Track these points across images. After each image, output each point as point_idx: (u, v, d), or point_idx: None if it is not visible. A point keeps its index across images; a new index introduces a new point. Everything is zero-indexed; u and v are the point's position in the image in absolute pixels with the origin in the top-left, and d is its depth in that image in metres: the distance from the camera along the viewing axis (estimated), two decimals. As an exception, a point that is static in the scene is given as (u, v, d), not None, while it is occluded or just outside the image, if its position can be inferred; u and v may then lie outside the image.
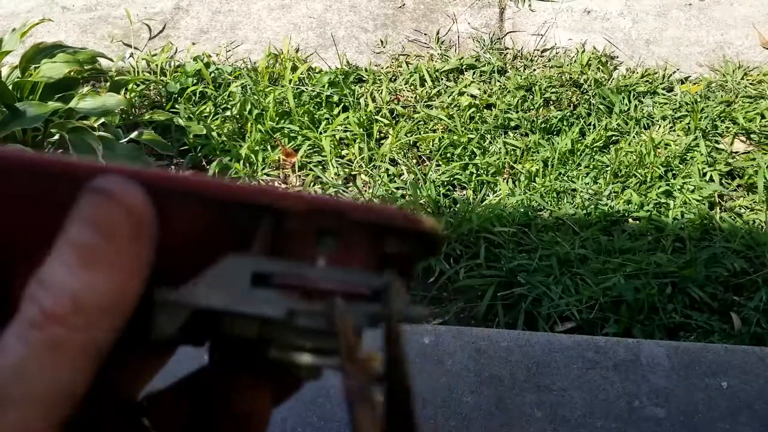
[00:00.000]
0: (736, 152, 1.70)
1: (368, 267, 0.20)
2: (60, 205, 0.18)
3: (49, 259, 0.18)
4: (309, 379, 0.21)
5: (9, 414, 0.17)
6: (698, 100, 1.79)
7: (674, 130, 1.75)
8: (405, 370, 0.19)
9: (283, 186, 1.69)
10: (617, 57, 1.96)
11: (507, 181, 1.64)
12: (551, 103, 1.82)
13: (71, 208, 0.18)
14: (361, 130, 1.74)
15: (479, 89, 1.85)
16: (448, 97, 1.84)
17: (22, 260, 0.19)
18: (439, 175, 1.66)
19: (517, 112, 1.79)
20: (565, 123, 1.76)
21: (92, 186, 0.18)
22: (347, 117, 1.77)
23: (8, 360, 0.17)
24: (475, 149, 1.70)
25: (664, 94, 1.83)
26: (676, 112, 1.78)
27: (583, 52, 1.95)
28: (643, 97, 1.83)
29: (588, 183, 1.62)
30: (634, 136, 1.72)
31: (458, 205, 1.59)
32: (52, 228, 0.18)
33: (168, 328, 0.19)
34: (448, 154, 1.71)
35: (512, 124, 1.77)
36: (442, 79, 1.90)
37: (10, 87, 1.46)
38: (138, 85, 1.88)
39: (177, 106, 1.83)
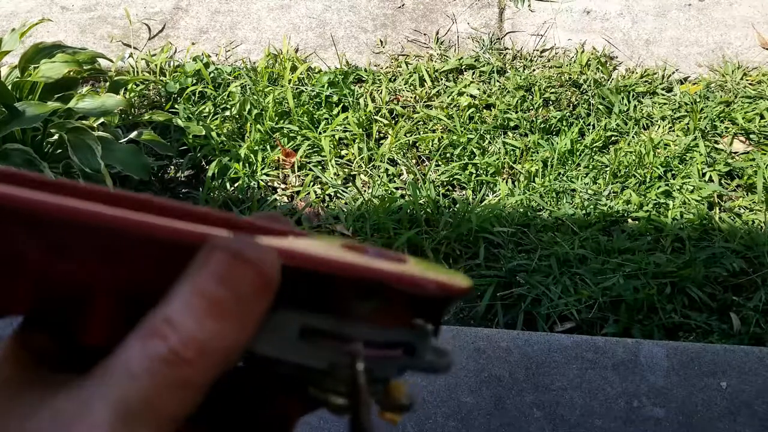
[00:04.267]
0: (735, 152, 1.70)
1: (403, 322, 0.23)
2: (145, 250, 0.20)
3: (171, 300, 0.19)
4: (337, 415, 0.23)
5: None
6: (697, 100, 1.79)
7: (673, 131, 1.75)
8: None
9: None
10: (616, 57, 1.96)
11: (506, 182, 1.64)
12: (551, 103, 1.82)
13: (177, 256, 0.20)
14: (361, 130, 1.75)
15: (479, 89, 1.85)
16: (448, 97, 1.84)
17: (100, 297, 0.21)
18: (439, 175, 1.66)
19: (516, 112, 1.79)
20: (564, 123, 1.76)
21: (224, 244, 0.20)
22: (347, 117, 1.77)
23: (137, 390, 0.19)
24: (474, 149, 1.70)
25: (663, 95, 1.83)
26: (675, 113, 1.78)
27: (583, 52, 1.95)
28: (643, 98, 1.83)
29: (587, 183, 1.62)
30: (633, 137, 1.72)
31: (457, 205, 1.59)
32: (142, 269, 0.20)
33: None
34: (448, 154, 1.71)
35: (512, 124, 1.77)
36: (441, 79, 1.90)
37: (10, 87, 1.46)
38: (137, 85, 1.88)
39: (176, 106, 1.83)
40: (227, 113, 1.82)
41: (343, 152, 1.73)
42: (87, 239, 0.20)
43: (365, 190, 1.65)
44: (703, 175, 1.63)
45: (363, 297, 0.22)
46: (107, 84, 1.69)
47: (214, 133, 1.75)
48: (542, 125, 1.75)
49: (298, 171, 1.70)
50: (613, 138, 1.74)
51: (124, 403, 0.18)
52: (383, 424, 0.23)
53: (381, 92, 1.85)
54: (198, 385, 0.19)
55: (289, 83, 1.84)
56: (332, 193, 1.66)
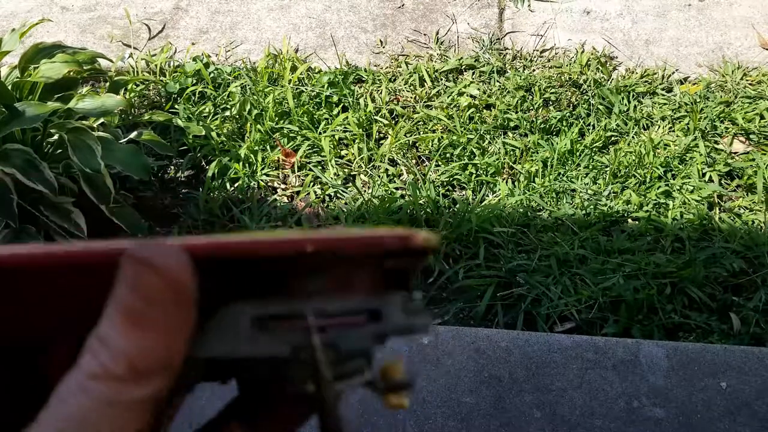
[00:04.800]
0: (735, 153, 1.70)
1: (368, 290, 0.21)
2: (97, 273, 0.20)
3: (103, 317, 0.19)
4: (319, 409, 0.21)
5: None
6: (697, 100, 1.79)
7: (673, 131, 1.75)
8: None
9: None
10: (616, 57, 1.96)
11: (506, 182, 1.64)
12: (550, 103, 1.82)
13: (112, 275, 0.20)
14: (361, 130, 1.75)
15: (479, 89, 1.85)
16: (448, 97, 1.84)
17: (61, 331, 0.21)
18: (439, 175, 1.66)
19: (516, 112, 1.79)
20: (564, 123, 1.76)
21: (131, 253, 0.19)
22: (347, 117, 1.77)
23: (70, 410, 0.18)
24: (474, 149, 1.70)
25: (663, 95, 1.83)
26: (675, 113, 1.78)
27: (583, 52, 1.95)
28: (643, 98, 1.83)
29: (587, 183, 1.62)
30: (633, 137, 1.72)
31: (457, 206, 1.59)
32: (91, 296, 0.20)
33: (189, 378, 0.21)
34: (448, 155, 1.71)
35: (511, 124, 1.77)
36: (441, 79, 1.90)
37: (10, 87, 1.45)
38: (137, 86, 1.88)
39: (176, 106, 1.83)
40: (227, 113, 1.82)
41: (343, 152, 1.73)
42: (27, 283, 0.20)
43: (365, 191, 1.65)
44: (703, 175, 1.63)
45: (314, 274, 0.21)
46: (107, 84, 1.69)
47: (214, 133, 1.75)
48: (542, 125, 1.75)
49: (298, 171, 1.70)
50: (613, 138, 1.74)
51: (61, 428, 0.18)
52: (390, 419, 0.23)
53: (381, 92, 1.84)
54: (137, 400, 0.19)
55: (289, 83, 1.84)
56: (332, 194, 1.66)
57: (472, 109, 1.80)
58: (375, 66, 1.96)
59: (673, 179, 1.62)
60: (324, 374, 0.20)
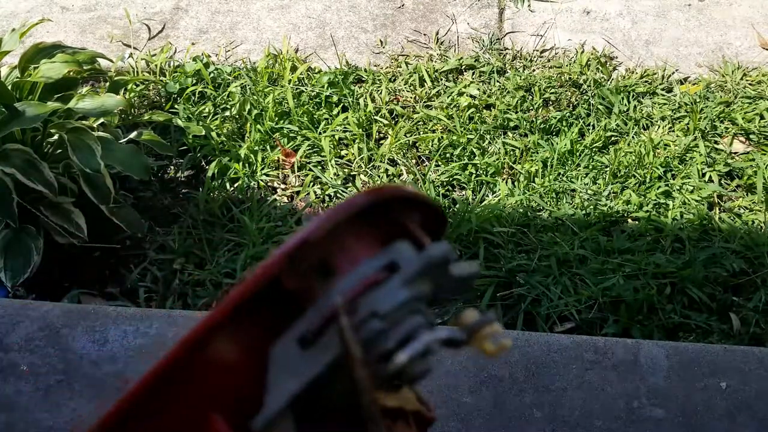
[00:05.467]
0: (735, 153, 1.70)
1: (368, 251, 0.21)
2: None
3: None
4: (419, 378, 0.20)
5: None
6: (697, 100, 1.79)
7: (673, 131, 1.75)
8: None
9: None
10: (616, 57, 1.96)
11: (506, 182, 1.64)
12: (550, 103, 1.82)
13: None
14: (361, 130, 1.74)
15: (478, 89, 1.85)
16: (448, 97, 1.84)
17: None
18: (439, 175, 1.66)
19: (516, 112, 1.79)
20: (564, 123, 1.76)
21: None
22: (346, 117, 1.77)
23: None
24: (474, 149, 1.70)
25: (663, 95, 1.83)
26: (675, 113, 1.78)
27: (583, 52, 1.95)
28: (643, 98, 1.83)
29: (587, 183, 1.62)
30: (633, 137, 1.72)
31: (457, 206, 1.59)
32: None
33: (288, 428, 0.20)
34: (448, 155, 1.71)
35: (511, 124, 1.77)
36: (441, 79, 1.90)
37: (10, 87, 1.45)
38: (137, 86, 1.87)
39: (176, 106, 1.83)
40: (227, 113, 1.82)
41: (343, 152, 1.73)
42: None
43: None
44: (703, 175, 1.63)
45: (317, 269, 0.21)
46: (107, 84, 1.69)
47: (214, 133, 1.75)
48: (542, 125, 1.75)
49: (298, 171, 1.70)
50: (613, 138, 1.74)
51: None
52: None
53: (381, 92, 1.84)
54: None
55: (289, 83, 1.84)
56: (332, 194, 1.66)
57: (472, 109, 1.80)
58: (375, 66, 1.96)
59: (673, 179, 1.62)
60: (350, 347, 0.19)
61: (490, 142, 1.73)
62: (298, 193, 1.66)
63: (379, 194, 0.21)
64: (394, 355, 0.19)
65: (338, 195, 1.65)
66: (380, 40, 2.04)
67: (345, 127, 1.76)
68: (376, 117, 1.79)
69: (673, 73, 1.90)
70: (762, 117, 1.75)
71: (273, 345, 0.20)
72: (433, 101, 1.84)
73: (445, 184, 1.66)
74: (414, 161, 1.71)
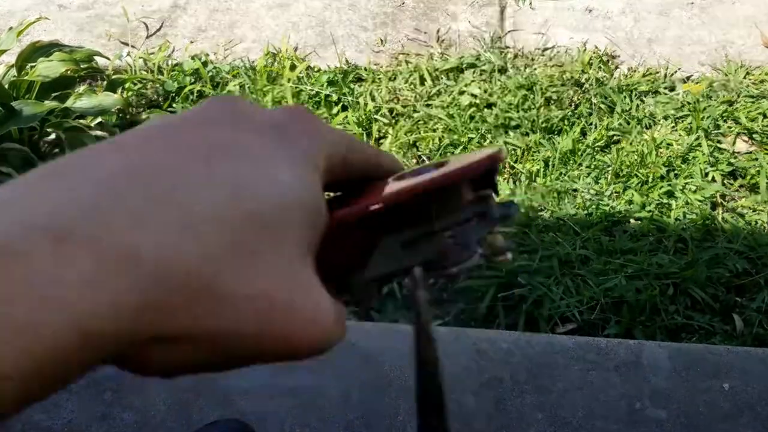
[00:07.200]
0: (738, 152, 1.69)
1: (473, 197, 0.29)
2: None
3: None
4: (455, 283, 0.32)
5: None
6: (700, 99, 1.78)
7: (676, 130, 1.74)
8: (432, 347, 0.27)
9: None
10: (619, 56, 1.95)
11: (508, 181, 1.63)
12: (552, 102, 1.81)
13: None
14: (361, 129, 1.73)
15: (479, 88, 1.84)
16: (448, 96, 1.83)
17: None
18: (439, 174, 1.65)
19: (517, 111, 1.77)
20: (566, 122, 1.75)
21: None
22: (346, 116, 1.76)
23: None
24: (475, 149, 1.69)
25: (665, 94, 1.82)
26: (677, 112, 1.77)
27: (585, 51, 1.94)
28: (645, 97, 1.81)
29: (589, 183, 1.61)
30: (635, 136, 1.71)
31: (458, 205, 1.58)
32: None
33: (372, 291, 0.29)
34: (448, 154, 1.70)
35: (513, 123, 1.76)
36: (442, 78, 1.89)
37: (7, 86, 1.44)
38: (135, 84, 1.86)
39: (174, 105, 1.82)
40: (226, 112, 1.81)
41: (343, 152, 1.72)
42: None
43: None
44: (706, 175, 1.62)
45: (434, 199, 0.28)
46: (105, 83, 1.68)
47: (212, 133, 1.74)
48: (544, 124, 1.74)
49: (297, 170, 1.68)
50: (615, 137, 1.73)
51: None
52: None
53: (381, 91, 1.83)
54: None
55: (288, 82, 1.83)
56: (331, 193, 1.64)
57: (473, 108, 1.79)
58: (375, 65, 1.95)
59: (676, 179, 1.61)
60: (419, 298, 0.27)
61: (491, 142, 1.72)
62: (297, 192, 1.65)
63: (496, 159, 0.28)
64: (452, 267, 0.28)
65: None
66: (380, 39, 2.02)
67: (345, 126, 1.75)
68: (376, 116, 1.78)
69: (676, 71, 1.89)
70: (765, 116, 1.74)
71: (382, 238, 0.28)
72: (434, 100, 1.83)
73: (445, 183, 1.65)
74: (414, 161, 1.69)
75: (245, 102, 0.25)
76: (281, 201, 0.22)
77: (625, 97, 1.80)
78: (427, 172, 0.29)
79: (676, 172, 1.63)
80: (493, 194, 0.30)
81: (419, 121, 1.78)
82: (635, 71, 1.89)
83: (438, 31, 2.04)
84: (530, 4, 2.10)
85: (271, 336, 0.21)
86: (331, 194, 0.31)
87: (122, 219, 0.18)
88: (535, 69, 1.90)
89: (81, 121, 1.50)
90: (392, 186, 0.28)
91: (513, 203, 0.30)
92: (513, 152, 1.70)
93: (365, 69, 1.91)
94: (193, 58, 1.92)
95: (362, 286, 0.29)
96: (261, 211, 0.21)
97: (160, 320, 0.19)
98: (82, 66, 1.56)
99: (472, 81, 1.87)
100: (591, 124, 1.75)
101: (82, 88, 1.65)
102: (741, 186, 1.62)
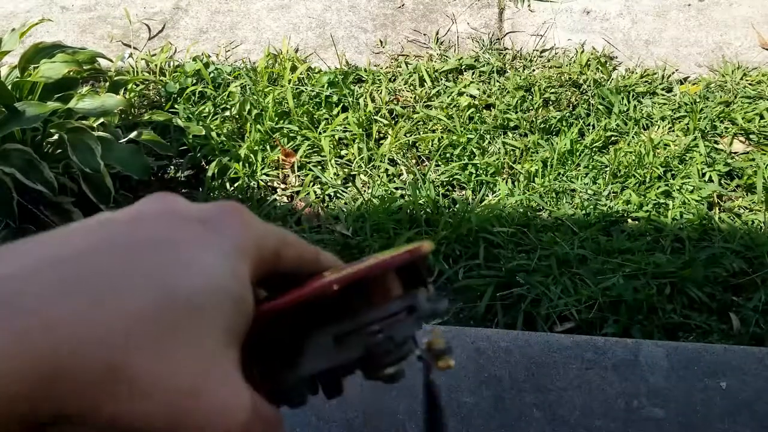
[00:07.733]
0: (735, 153, 1.70)
1: (400, 292, 0.29)
2: None
3: None
4: (390, 383, 0.29)
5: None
6: (697, 100, 1.79)
7: (673, 131, 1.75)
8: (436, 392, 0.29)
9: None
10: (616, 57, 1.96)
11: (506, 182, 1.64)
12: (550, 103, 1.82)
13: None
14: (361, 130, 1.74)
15: (478, 89, 1.85)
16: (448, 97, 1.84)
17: None
18: (439, 175, 1.66)
19: (516, 112, 1.79)
20: (564, 123, 1.76)
21: None
22: (346, 117, 1.77)
23: None
24: (474, 149, 1.70)
25: (663, 95, 1.83)
26: (675, 113, 1.78)
27: (583, 52, 1.95)
28: (643, 98, 1.83)
29: (587, 183, 1.62)
30: (633, 137, 1.72)
31: (457, 205, 1.59)
32: None
33: (302, 393, 0.29)
34: (448, 155, 1.71)
35: (511, 124, 1.77)
36: (441, 79, 1.90)
37: (10, 87, 1.45)
38: (137, 85, 1.87)
39: (176, 106, 1.83)
40: (227, 113, 1.82)
41: (343, 152, 1.73)
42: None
43: (365, 190, 1.65)
44: (703, 175, 1.63)
45: (360, 294, 0.28)
46: (107, 84, 1.69)
47: (213, 133, 1.75)
48: (542, 125, 1.75)
49: (297, 171, 1.70)
50: (612, 138, 1.74)
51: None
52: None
53: (381, 92, 1.84)
54: None
55: (288, 83, 1.84)
56: (332, 193, 1.66)
57: (472, 109, 1.80)
58: (375, 66, 1.96)
59: (673, 179, 1.62)
60: (382, 363, 0.28)
61: (490, 142, 1.73)
62: (298, 192, 1.66)
63: (417, 253, 0.29)
64: (387, 367, 0.28)
65: (338, 195, 1.65)
66: (380, 40, 2.04)
67: (345, 127, 1.76)
68: (376, 117, 1.79)
69: (673, 73, 1.90)
70: (762, 117, 1.75)
71: (315, 328, 0.28)
72: (433, 101, 1.84)
73: (445, 184, 1.66)
74: (414, 161, 1.71)
75: (178, 199, 0.26)
76: (205, 288, 0.22)
77: (622, 98, 1.81)
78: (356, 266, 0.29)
79: (673, 172, 1.65)
80: (425, 289, 0.30)
81: (419, 121, 1.79)
82: (633, 72, 1.90)
83: (437, 32, 2.05)
84: (528, 6, 2.11)
85: (184, 426, 0.21)
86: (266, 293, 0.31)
87: (38, 299, 0.20)
88: (534, 70, 1.92)
89: (84, 122, 1.51)
90: (319, 280, 0.28)
91: (444, 298, 0.30)
92: (512, 153, 1.71)
93: (365, 70, 1.93)
94: (194, 59, 1.94)
95: (295, 382, 0.28)
96: (183, 297, 0.22)
97: (63, 396, 0.19)
98: (84, 67, 1.57)
99: (471, 82, 1.88)
100: (589, 124, 1.77)
101: (84, 90, 1.66)
102: (738, 186, 1.63)
